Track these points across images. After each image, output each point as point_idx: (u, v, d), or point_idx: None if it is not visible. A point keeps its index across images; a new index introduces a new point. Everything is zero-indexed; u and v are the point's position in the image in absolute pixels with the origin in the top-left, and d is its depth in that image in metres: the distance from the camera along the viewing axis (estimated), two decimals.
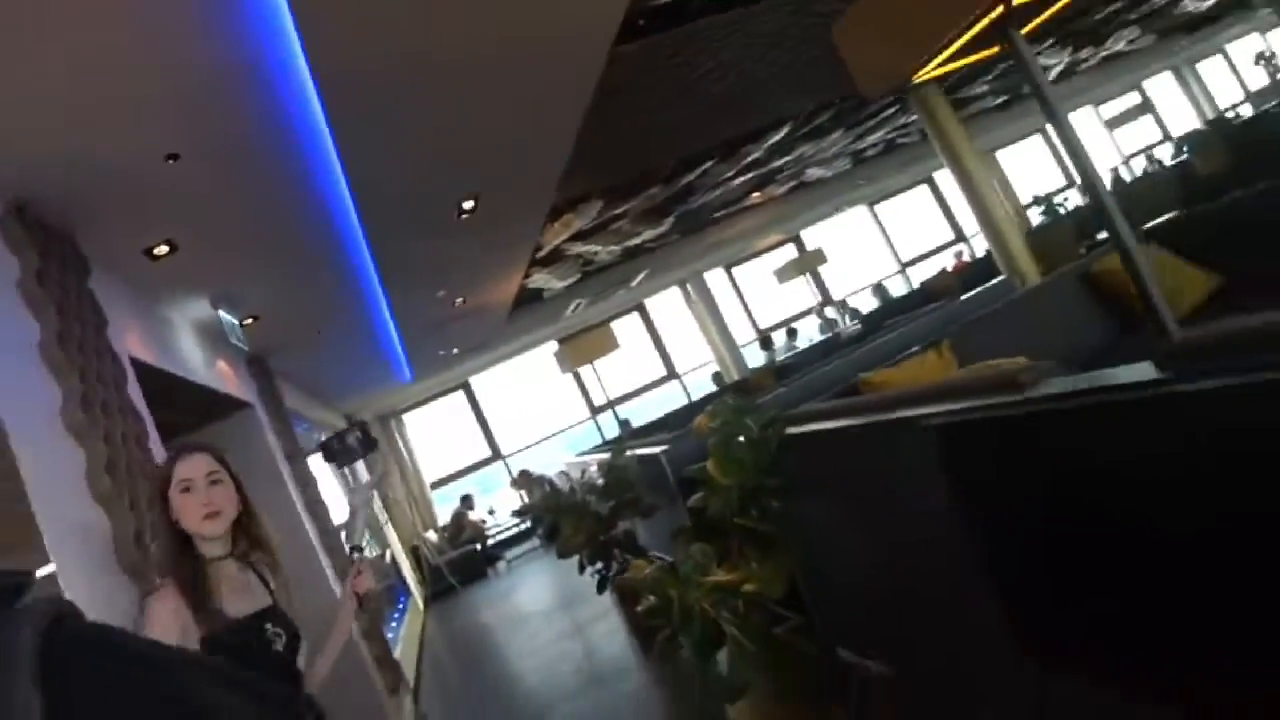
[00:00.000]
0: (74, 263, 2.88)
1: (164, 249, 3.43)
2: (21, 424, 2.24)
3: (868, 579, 2.46)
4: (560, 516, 4.98)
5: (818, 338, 11.49)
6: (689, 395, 12.90)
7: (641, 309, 13.95)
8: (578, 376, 12.58)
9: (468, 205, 4.84)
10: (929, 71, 1.96)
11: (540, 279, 8.68)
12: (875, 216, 15.11)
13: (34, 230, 2.63)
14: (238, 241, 3.96)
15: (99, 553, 2.22)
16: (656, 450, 3.90)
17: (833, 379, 4.30)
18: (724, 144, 7.30)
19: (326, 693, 1.88)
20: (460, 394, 13.33)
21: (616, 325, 11.65)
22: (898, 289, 14.07)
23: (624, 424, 8.51)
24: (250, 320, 4.97)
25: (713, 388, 10.44)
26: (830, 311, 13.16)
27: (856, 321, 10.77)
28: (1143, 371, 1.35)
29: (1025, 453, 1.65)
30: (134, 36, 2.23)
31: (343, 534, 1.86)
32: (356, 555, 2.21)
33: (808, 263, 11.46)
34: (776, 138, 7.75)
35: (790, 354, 10.54)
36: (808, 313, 13.95)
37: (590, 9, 3.41)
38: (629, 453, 4.61)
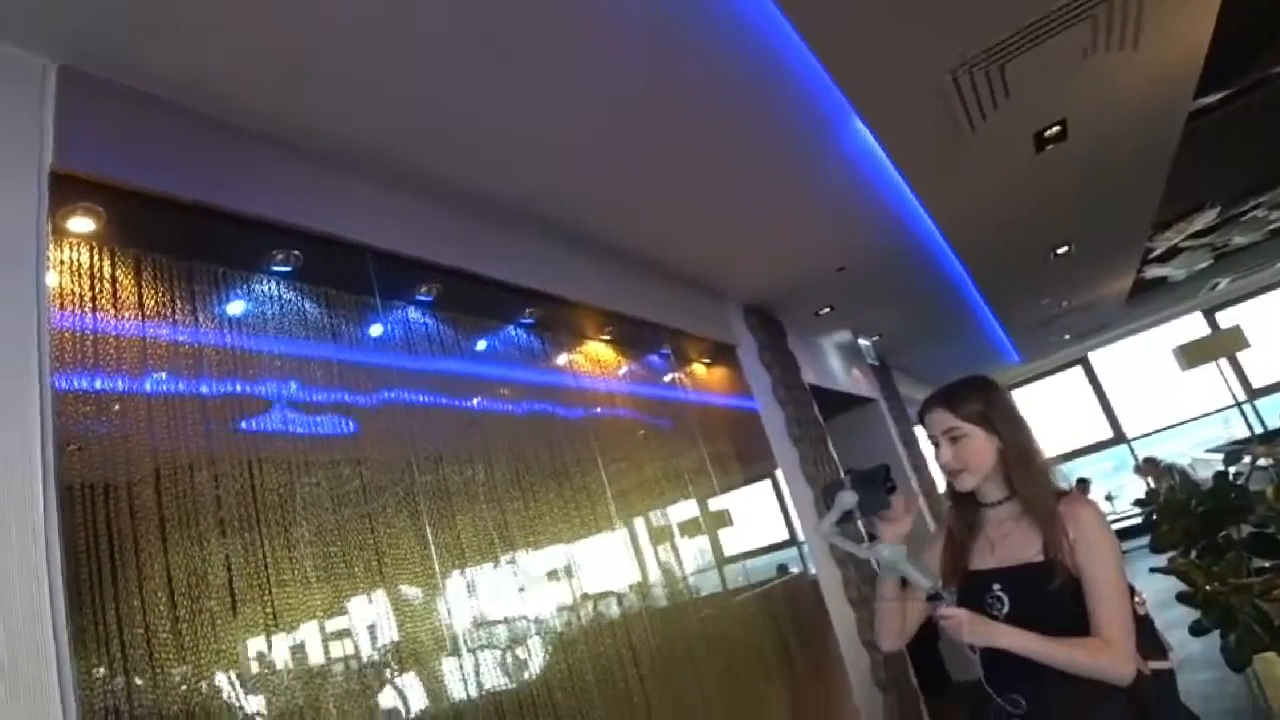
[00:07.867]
0: (777, 330, 4.77)
1: (826, 310, 5.16)
2: (775, 435, 4.15)
3: None
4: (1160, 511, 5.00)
5: None
6: None
7: None
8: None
9: (1060, 250, 5.51)
10: None
11: (1161, 271, 8.38)
12: None
13: (760, 318, 4.56)
14: (875, 296, 5.50)
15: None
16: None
17: None
18: None
19: None
20: (1077, 370, 12.62)
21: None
22: None
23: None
24: (877, 337, 6.54)
25: None
26: None
27: None
28: None
29: None
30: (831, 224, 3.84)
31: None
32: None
33: None
34: None
35: None
36: None
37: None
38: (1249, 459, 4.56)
